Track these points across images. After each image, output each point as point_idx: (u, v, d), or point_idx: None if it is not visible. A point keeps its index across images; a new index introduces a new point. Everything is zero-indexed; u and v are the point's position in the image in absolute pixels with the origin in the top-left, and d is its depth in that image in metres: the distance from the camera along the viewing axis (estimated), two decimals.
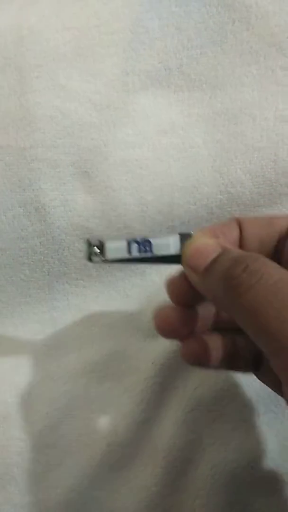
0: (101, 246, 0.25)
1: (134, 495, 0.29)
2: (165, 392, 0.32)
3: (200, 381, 0.32)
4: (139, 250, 0.25)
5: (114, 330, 0.34)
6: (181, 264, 0.24)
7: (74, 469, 0.30)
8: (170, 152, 0.33)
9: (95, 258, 0.25)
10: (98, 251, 0.25)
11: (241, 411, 0.31)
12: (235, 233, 0.26)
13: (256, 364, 0.27)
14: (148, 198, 0.33)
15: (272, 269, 0.20)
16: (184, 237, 0.25)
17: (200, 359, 0.26)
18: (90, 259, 0.26)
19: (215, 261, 0.22)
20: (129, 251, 0.25)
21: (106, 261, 0.25)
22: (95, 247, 0.25)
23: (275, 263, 0.21)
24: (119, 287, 0.35)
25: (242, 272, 0.20)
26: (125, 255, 0.25)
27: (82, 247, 0.34)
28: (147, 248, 0.25)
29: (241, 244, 0.26)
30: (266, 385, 0.27)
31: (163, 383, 0.32)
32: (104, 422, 0.31)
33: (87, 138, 0.33)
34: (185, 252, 0.24)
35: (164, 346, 0.32)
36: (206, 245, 0.23)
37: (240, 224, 0.26)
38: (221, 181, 0.33)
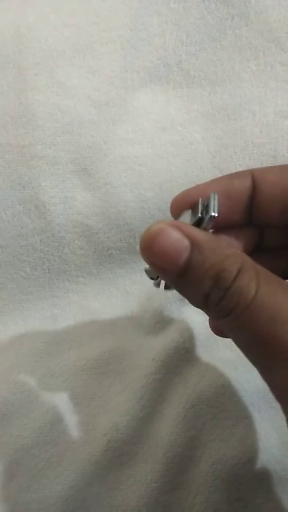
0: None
1: (135, 492, 0.29)
2: (166, 388, 0.31)
3: (201, 378, 0.32)
4: None
5: (114, 327, 0.34)
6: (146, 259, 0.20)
7: (74, 465, 0.30)
8: (169, 149, 0.33)
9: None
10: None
11: (242, 407, 0.31)
12: (246, 184, 0.23)
13: None
14: (148, 194, 0.33)
15: (249, 281, 0.18)
16: None
17: None
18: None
19: (189, 266, 0.19)
20: None
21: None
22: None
23: (252, 266, 0.19)
24: (119, 284, 0.35)
25: (219, 299, 0.19)
26: None
27: (82, 244, 0.34)
28: None
29: (255, 202, 0.24)
30: None
31: (164, 380, 0.32)
32: (104, 418, 0.31)
33: (87, 135, 0.33)
34: (146, 252, 0.20)
35: (165, 342, 0.32)
36: (171, 242, 0.19)
37: (255, 178, 0.24)
38: None
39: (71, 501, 0.29)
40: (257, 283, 0.18)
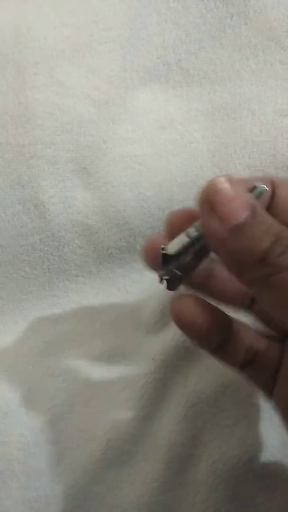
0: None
1: (135, 491, 0.29)
2: (166, 387, 0.32)
3: (201, 377, 0.32)
4: None
5: (114, 326, 0.34)
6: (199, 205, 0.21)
7: (74, 465, 0.30)
8: (169, 148, 0.33)
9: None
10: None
11: (242, 407, 0.31)
12: (269, 192, 0.24)
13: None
14: (148, 194, 0.33)
15: None
16: None
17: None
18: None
19: (247, 224, 0.19)
20: None
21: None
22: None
23: None
24: (119, 283, 0.35)
25: (280, 253, 0.19)
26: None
27: (81, 243, 0.34)
28: None
29: (272, 207, 0.24)
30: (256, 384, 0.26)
31: (164, 379, 0.32)
32: (104, 418, 0.31)
33: (86, 134, 0.33)
34: (210, 193, 0.20)
35: (164, 341, 0.32)
36: (238, 195, 0.20)
37: (274, 185, 0.24)
38: None
39: (71, 500, 0.29)
40: None
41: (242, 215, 0.19)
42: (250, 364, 0.26)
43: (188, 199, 0.33)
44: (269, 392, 0.26)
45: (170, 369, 0.32)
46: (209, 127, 0.33)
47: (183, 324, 0.24)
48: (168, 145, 0.33)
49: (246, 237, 0.19)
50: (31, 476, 0.30)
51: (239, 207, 0.19)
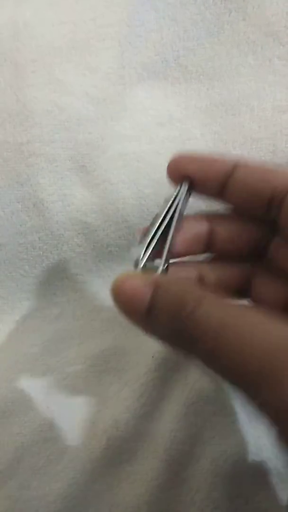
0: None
1: (135, 489, 0.29)
2: (165, 386, 0.31)
3: (200, 375, 0.31)
4: None
5: (113, 325, 0.34)
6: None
7: (74, 463, 0.30)
8: (167, 145, 0.33)
9: None
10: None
11: (242, 405, 0.31)
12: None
13: None
14: (146, 191, 0.33)
15: (213, 300, 0.19)
16: None
17: None
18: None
19: (154, 305, 0.20)
20: None
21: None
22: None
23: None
24: None
25: (189, 314, 0.19)
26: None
27: (80, 242, 0.34)
28: None
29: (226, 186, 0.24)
30: None
31: (163, 377, 0.31)
32: (104, 416, 0.31)
33: (84, 132, 0.33)
34: (115, 297, 0.21)
35: None
36: (135, 287, 0.20)
37: (235, 167, 0.24)
38: None
39: (71, 499, 0.29)
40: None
41: (145, 299, 0.20)
42: None
43: None
44: None
45: (170, 367, 0.32)
46: (208, 123, 0.33)
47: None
48: (166, 142, 0.33)
49: (158, 313, 0.20)
50: (31, 475, 0.30)
51: (140, 296, 0.20)
